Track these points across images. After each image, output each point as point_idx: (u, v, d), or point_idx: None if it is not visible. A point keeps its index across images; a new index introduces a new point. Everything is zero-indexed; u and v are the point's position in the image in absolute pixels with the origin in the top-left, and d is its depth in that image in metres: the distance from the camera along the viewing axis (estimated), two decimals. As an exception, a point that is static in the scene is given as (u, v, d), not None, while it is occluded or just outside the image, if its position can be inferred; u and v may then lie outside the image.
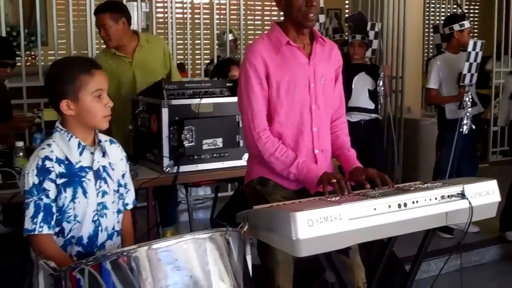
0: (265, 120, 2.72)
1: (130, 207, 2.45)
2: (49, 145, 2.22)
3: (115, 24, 4.10)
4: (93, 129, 2.28)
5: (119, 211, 2.35)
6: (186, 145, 3.55)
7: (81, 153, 2.23)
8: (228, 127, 3.72)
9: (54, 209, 2.18)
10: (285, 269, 2.83)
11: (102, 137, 2.34)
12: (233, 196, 5.20)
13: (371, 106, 5.38)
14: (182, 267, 1.91)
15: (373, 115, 5.42)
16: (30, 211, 2.16)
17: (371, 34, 5.52)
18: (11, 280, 3.27)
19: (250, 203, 2.80)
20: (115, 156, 2.36)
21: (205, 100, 3.70)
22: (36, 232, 2.15)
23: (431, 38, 7.69)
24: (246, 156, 3.80)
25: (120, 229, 2.38)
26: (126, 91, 4.12)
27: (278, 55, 2.70)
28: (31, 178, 2.16)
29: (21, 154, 3.38)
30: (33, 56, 7.89)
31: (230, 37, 6.72)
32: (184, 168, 3.62)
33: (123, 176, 2.39)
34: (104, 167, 2.29)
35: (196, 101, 3.66)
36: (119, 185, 2.36)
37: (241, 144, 3.75)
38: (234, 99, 3.75)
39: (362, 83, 5.34)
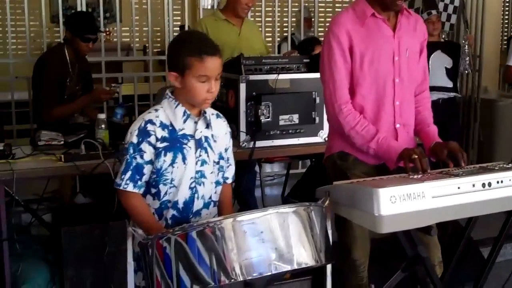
0: (347, 93, 2.71)
1: (230, 181, 2.48)
2: (156, 110, 2.30)
3: None
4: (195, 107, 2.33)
5: (217, 183, 2.39)
6: (262, 120, 3.57)
7: (185, 121, 2.29)
8: (305, 103, 3.72)
9: (145, 170, 2.25)
10: (362, 245, 2.83)
11: (209, 110, 2.38)
12: (305, 174, 5.21)
13: (450, 84, 5.25)
14: (266, 239, 1.93)
15: (452, 94, 5.30)
16: (122, 167, 2.27)
17: (450, 8, 5.39)
18: (92, 248, 3.38)
19: (329, 177, 2.81)
20: (220, 129, 2.40)
21: (282, 76, 3.69)
22: (121, 188, 2.25)
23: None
24: (321, 132, 3.81)
25: (219, 200, 2.42)
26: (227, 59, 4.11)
27: (363, 27, 2.68)
28: (132, 137, 2.25)
29: (103, 126, 3.47)
30: (107, 32, 8.06)
31: (305, 14, 6.68)
32: (260, 143, 3.65)
33: (225, 150, 2.43)
34: (206, 137, 2.33)
35: (273, 76, 3.66)
36: (220, 157, 2.39)
37: (317, 120, 3.75)
38: (311, 75, 3.77)
39: (439, 61, 5.21)
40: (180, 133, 2.28)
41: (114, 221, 3.30)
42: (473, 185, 2.26)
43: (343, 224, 2.75)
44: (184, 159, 2.27)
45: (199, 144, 2.31)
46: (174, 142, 2.27)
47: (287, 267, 1.96)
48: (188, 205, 2.30)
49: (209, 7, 7.52)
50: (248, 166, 4.19)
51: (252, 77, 3.62)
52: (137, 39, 5.83)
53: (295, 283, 3.71)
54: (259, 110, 3.56)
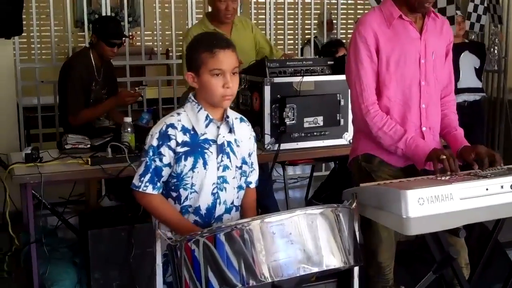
0: (374, 94, 2.70)
1: (253, 185, 2.45)
2: (178, 113, 2.29)
3: None
4: (216, 107, 2.30)
5: (240, 187, 2.38)
6: (287, 123, 3.57)
7: (207, 126, 2.27)
8: (329, 105, 3.71)
9: (164, 172, 2.25)
10: (388, 248, 2.82)
11: (233, 114, 2.37)
12: (329, 176, 5.21)
13: (479, 85, 5.26)
14: (295, 241, 1.93)
15: (482, 94, 5.30)
16: (141, 169, 2.26)
17: (480, 9, 5.37)
18: (118, 251, 3.40)
19: (354, 179, 2.80)
20: (243, 134, 2.38)
21: (307, 78, 3.70)
22: (140, 190, 2.24)
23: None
24: (346, 134, 3.80)
25: (242, 204, 2.42)
26: None
27: (389, 29, 2.67)
28: (152, 140, 2.25)
29: (129, 129, 3.49)
30: (131, 37, 8.11)
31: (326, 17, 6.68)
32: (284, 146, 3.65)
33: (249, 154, 2.41)
34: (229, 142, 2.32)
35: (297, 79, 3.66)
36: (244, 162, 2.37)
37: (342, 122, 3.75)
38: (335, 77, 3.77)
39: (468, 62, 5.20)
40: (202, 137, 2.27)
41: (140, 223, 3.33)
42: (502, 187, 2.24)
43: (369, 227, 2.74)
44: (205, 164, 2.26)
45: (221, 150, 2.29)
46: (195, 147, 2.26)
47: (316, 269, 1.96)
48: (211, 211, 2.29)
49: (230, 10, 7.53)
50: (266, 170, 4.18)
51: (277, 80, 3.63)
52: (160, 43, 5.86)
53: (321, 285, 3.71)
54: (284, 113, 3.56)
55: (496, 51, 5.26)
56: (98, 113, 4.34)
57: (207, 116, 2.27)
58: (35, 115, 5.27)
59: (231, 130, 2.32)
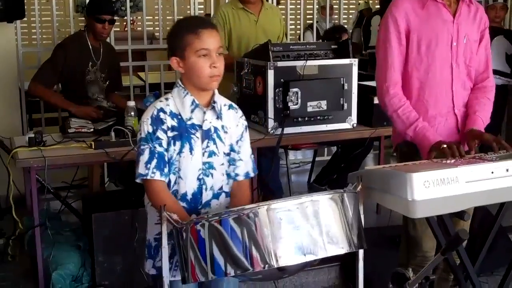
0: (398, 75, 2.71)
1: (241, 178, 2.39)
2: (166, 99, 2.29)
3: None
4: (204, 90, 2.29)
5: (229, 175, 2.36)
6: (291, 107, 3.56)
7: (192, 111, 2.27)
8: (333, 89, 3.70)
9: (166, 158, 2.25)
10: (432, 236, 2.79)
11: (222, 100, 2.36)
12: (331, 161, 5.20)
13: (507, 70, 5.30)
14: (301, 226, 1.93)
15: (509, 79, 5.34)
16: (145, 157, 2.23)
17: None
18: (122, 234, 3.41)
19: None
20: (231, 121, 2.36)
21: (310, 62, 3.69)
22: (148, 177, 2.22)
23: None
24: (349, 119, 3.80)
25: (232, 197, 2.38)
26: (247, 48, 4.12)
27: (423, 10, 2.68)
28: (146, 127, 2.25)
29: (132, 113, 3.49)
30: (132, 21, 8.08)
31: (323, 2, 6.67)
32: (288, 130, 3.64)
33: (237, 142, 2.38)
34: (216, 128, 2.31)
35: (301, 63, 3.65)
36: (232, 149, 2.36)
37: (345, 107, 3.74)
38: (339, 61, 3.77)
39: (500, 46, 5.28)
40: (189, 122, 2.27)
41: (143, 207, 3.32)
42: (507, 170, 2.24)
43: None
44: (191, 149, 2.26)
45: (206, 135, 2.28)
46: (183, 132, 2.26)
47: (321, 254, 1.96)
48: (196, 196, 2.29)
49: (231, -5, 7.51)
50: (269, 155, 4.18)
51: (280, 64, 3.62)
52: (161, 28, 5.83)
53: (324, 269, 3.72)
54: (287, 97, 3.55)
55: None
56: (50, 101, 4.37)
57: (193, 101, 2.27)
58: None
59: (218, 117, 2.32)
